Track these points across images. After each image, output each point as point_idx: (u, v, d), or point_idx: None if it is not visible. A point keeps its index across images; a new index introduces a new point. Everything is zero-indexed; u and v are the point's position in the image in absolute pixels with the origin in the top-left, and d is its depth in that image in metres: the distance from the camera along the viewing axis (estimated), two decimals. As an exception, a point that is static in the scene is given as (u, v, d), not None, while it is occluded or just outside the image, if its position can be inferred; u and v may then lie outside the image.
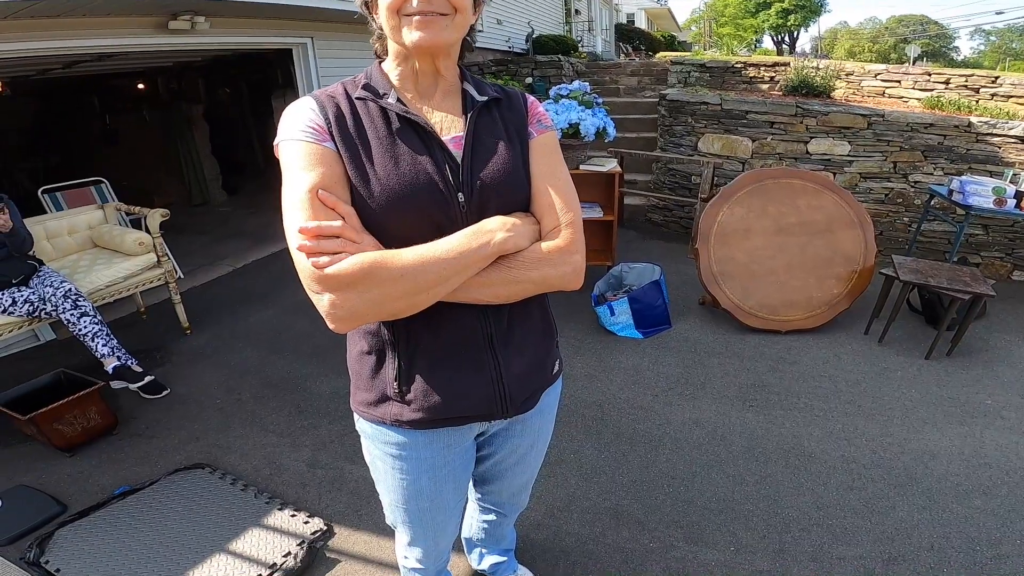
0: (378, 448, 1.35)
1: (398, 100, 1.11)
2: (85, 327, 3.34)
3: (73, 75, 7.33)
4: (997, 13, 39.56)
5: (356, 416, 1.36)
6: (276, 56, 6.06)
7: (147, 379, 3.44)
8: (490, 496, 1.76)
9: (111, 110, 9.29)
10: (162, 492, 2.67)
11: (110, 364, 3.37)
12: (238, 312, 4.71)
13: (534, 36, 11.29)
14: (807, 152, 5.76)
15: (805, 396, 3.37)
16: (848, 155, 5.62)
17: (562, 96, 4.56)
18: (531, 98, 1.28)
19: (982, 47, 53.95)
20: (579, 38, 14.78)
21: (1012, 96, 6.10)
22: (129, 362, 3.45)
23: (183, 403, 3.45)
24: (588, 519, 2.57)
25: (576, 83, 4.67)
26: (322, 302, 1.00)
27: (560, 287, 1.15)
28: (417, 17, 1.02)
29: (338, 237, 0.99)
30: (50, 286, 3.34)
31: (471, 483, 1.74)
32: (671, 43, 20.90)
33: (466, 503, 1.78)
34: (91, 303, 3.47)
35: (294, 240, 0.99)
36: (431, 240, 1.03)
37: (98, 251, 4.32)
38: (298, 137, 1.04)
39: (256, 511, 2.55)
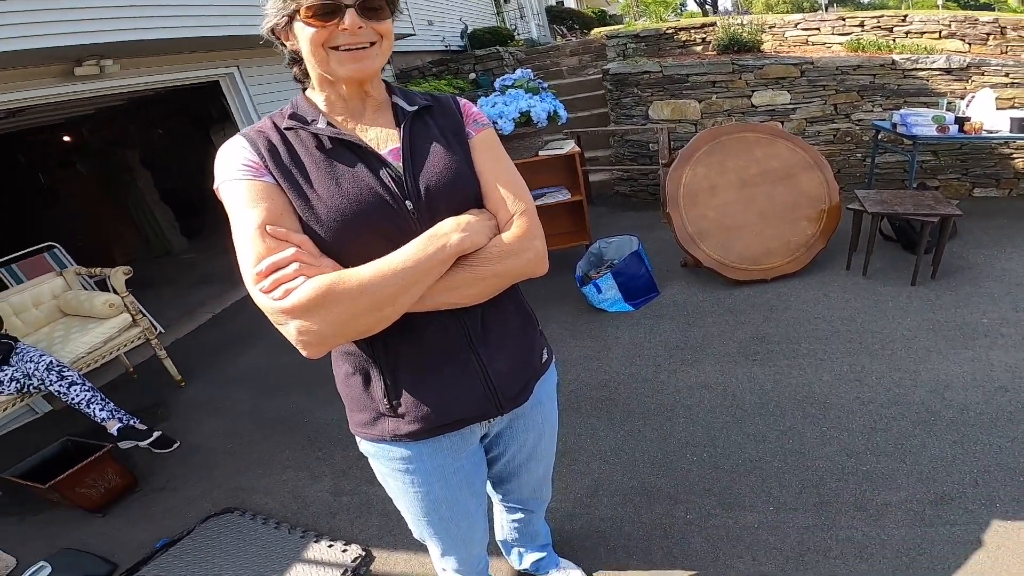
0: (385, 466, 1.31)
1: (328, 124, 1.08)
2: (77, 396, 3.18)
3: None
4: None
5: (357, 438, 1.31)
6: (207, 89, 5.65)
7: (155, 435, 3.28)
8: (512, 495, 1.69)
9: (43, 168, 8.47)
10: (200, 540, 2.57)
11: (113, 427, 3.21)
12: (226, 357, 4.44)
13: (468, 31, 10.95)
14: (752, 105, 5.78)
15: (805, 341, 3.24)
16: (790, 103, 5.66)
17: (507, 87, 4.40)
18: (462, 100, 1.25)
19: (886, -14, 54.73)
20: (513, 26, 14.49)
21: (924, 32, 6.14)
22: (132, 421, 3.28)
23: (195, 453, 3.28)
24: (618, 501, 2.41)
25: (519, 72, 4.52)
26: (289, 331, 0.99)
27: (527, 275, 1.14)
28: (347, 52, 1.01)
29: (294, 263, 0.97)
30: (31, 362, 3.16)
31: (491, 486, 1.67)
32: (602, 18, 20.70)
33: (490, 506, 1.72)
34: (76, 372, 3.28)
35: (251, 281, 0.98)
36: (389, 252, 1.01)
37: (69, 319, 4.07)
38: (236, 177, 1.01)
39: (294, 546, 2.45)
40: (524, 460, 1.50)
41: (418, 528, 1.46)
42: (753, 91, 5.73)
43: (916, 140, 4.23)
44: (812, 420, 2.66)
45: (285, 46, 1.09)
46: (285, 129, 1.07)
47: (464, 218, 1.07)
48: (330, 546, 2.42)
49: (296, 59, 1.11)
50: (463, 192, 1.12)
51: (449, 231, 1.04)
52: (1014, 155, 5.03)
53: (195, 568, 2.42)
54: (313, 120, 1.07)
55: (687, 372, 3.16)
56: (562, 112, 4.32)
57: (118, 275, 3.86)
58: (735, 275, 3.98)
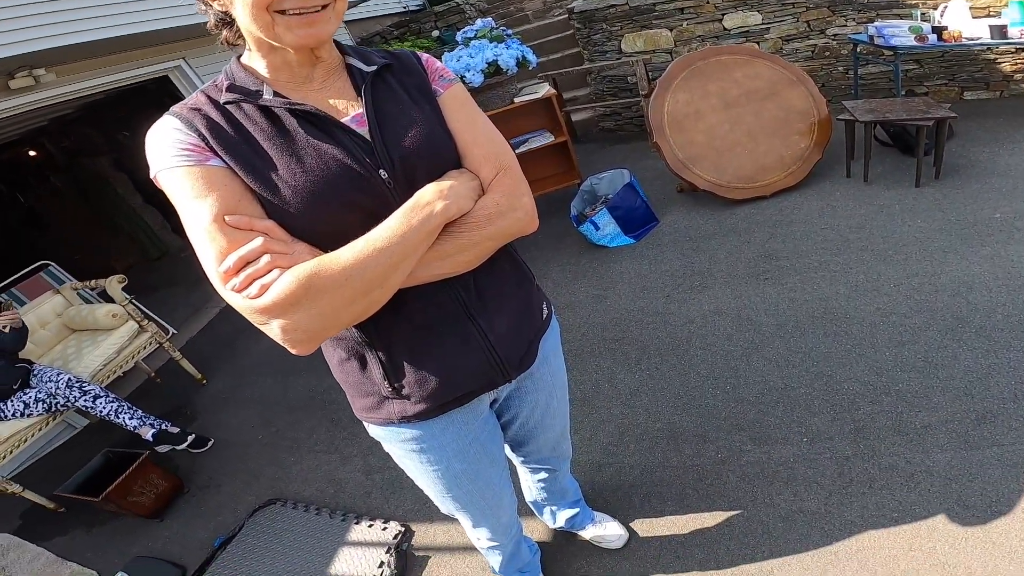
0: (398, 448, 1.16)
1: (275, 94, 0.87)
2: (103, 408, 2.97)
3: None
4: None
5: (365, 424, 1.16)
6: (162, 84, 5.08)
7: (190, 438, 3.08)
8: (532, 456, 1.50)
9: (20, 188, 7.64)
10: (252, 534, 2.44)
11: (147, 433, 3.02)
12: (240, 348, 4.12)
13: (425, -12, 10.17)
14: (724, 29, 5.28)
15: (815, 253, 2.88)
16: (762, 24, 5.15)
17: (470, 39, 3.95)
18: (424, 55, 1.05)
19: None
20: (472, -23, 13.56)
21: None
22: (164, 426, 3.07)
23: (229, 448, 3.07)
24: (645, 446, 2.13)
25: (480, 22, 4.06)
26: (272, 330, 0.82)
27: (518, 234, 0.99)
28: (295, 16, 0.80)
29: (265, 255, 0.79)
30: (51, 381, 2.95)
31: (510, 449, 1.49)
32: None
33: (514, 469, 1.64)
34: (98, 385, 3.08)
35: (218, 281, 0.81)
36: (369, 229, 0.84)
37: (79, 335, 3.78)
38: (174, 163, 0.81)
39: (337, 530, 2.31)
40: (539, 420, 1.33)
41: (444, 504, 1.32)
42: (723, 14, 5.22)
43: (897, 50, 3.86)
44: (834, 337, 2.34)
45: (211, 6, 0.88)
46: (225, 104, 0.86)
47: (446, 183, 0.90)
48: (370, 526, 2.26)
49: (226, 21, 0.89)
50: (440, 154, 0.95)
51: (432, 199, 0.87)
52: (999, 60, 4.58)
53: (252, 563, 2.30)
54: (257, 91, 0.87)
55: (698, 300, 2.82)
56: (531, 57, 3.93)
57: (113, 284, 3.56)
58: (733, 195, 3.61)
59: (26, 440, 2.94)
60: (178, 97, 5.11)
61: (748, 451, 1.99)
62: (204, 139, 0.82)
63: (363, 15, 7.89)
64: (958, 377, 2.02)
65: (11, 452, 2.86)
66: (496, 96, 3.95)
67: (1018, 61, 4.47)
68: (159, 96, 6.61)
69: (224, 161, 0.83)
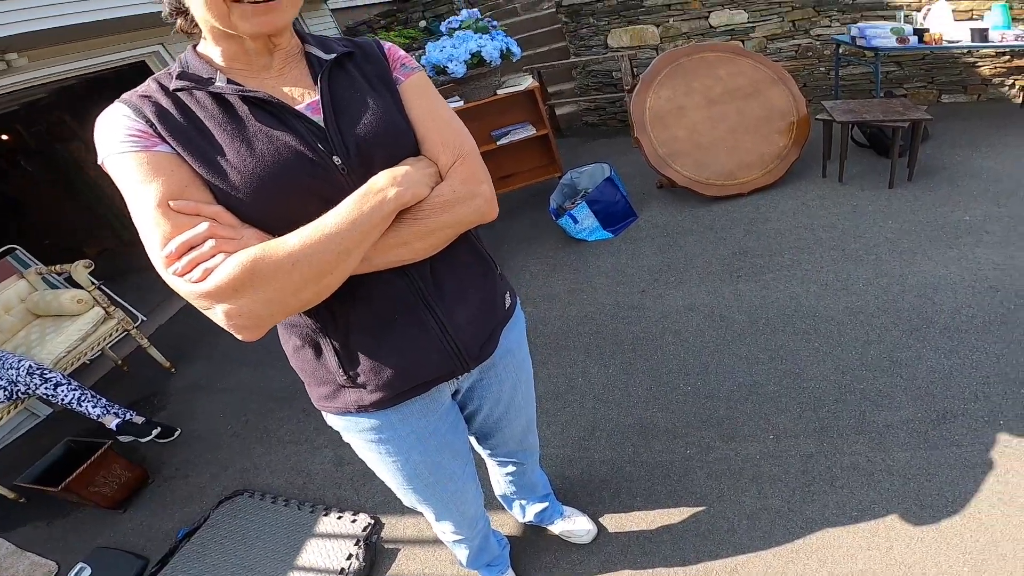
0: (357, 438, 1.14)
1: (229, 81, 0.85)
2: (66, 396, 2.86)
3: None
4: None
5: (323, 413, 1.13)
6: (132, 70, 4.93)
7: (155, 430, 2.99)
8: (499, 449, 1.47)
9: None
10: (217, 525, 2.38)
11: (111, 422, 2.90)
12: (210, 337, 3.99)
13: (413, -23, 10.00)
14: (711, 26, 5.26)
15: (788, 252, 2.89)
16: (748, 22, 5.14)
17: (454, 29, 3.88)
18: (387, 44, 1.03)
19: None
20: (461, -34, 13.37)
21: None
22: (129, 415, 2.97)
23: (198, 438, 2.99)
24: (616, 441, 2.13)
25: (464, 12, 3.99)
26: (216, 315, 0.80)
27: (476, 222, 0.97)
28: (251, 4, 0.78)
29: (209, 240, 0.78)
30: (12, 368, 2.83)
31: (475, 442, 1.47)
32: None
33: (483, 463, 1.62)
34: (60, 372, 2.95)
35: (161, 265, 0.79)
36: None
37: (43, 320, 3.64)
38: (121, 150, 0.80)
39: (306, 522, 2.25)
40: (503, 412, 1.32)
41: (406, 497, 1.29)
42: (710, 12, 5.20)
43: (878, 52, 3.87)
44: (803, 336, 2.35)
45: None
46: (175, 91, 0.84)
47: (400, 169, 0.88)
48: (339, 518, 2.21)
49: (180, 10, 0.86)
50: (397, 142, 0.93)
51: (385, 185, 0.85)
52: (979, 63, 4.60)
53: (217, 554, 2.24)
54: (210, 78, 0.85)
55: (672, 295, 2.82)
56: (515, 49, 3.87)
57: (79, 270, 3.44)
58: (711, 191, 3.60)
59: (-13, 428, 2.81)
60: None
61: (716, 448, 1.99)
62: (152, 125, 0.81)
63: (351, 3, 7.73)
64: (921, 377, 2.03)
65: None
66: (479, 88, 3.89)
67: (997, 65, 4.50)
68: (136, 82, 6.51)
69: (172, 147, 0.81)
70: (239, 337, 0.82)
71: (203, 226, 0.78)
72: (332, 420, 1.13)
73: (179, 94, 0.84)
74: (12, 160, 7.18)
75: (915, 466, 1.75)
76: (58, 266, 3.65)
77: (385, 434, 1.10)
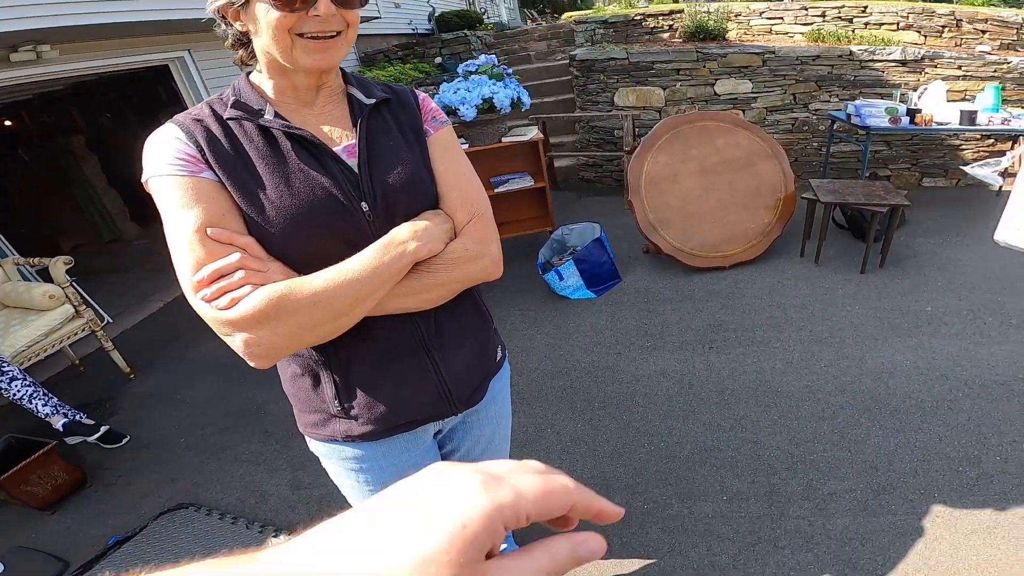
0: (337, 465, 1.23)
1: (276, 115, 0.96)
2: (18, 391, 2.94)
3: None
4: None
5: (307, 438, 1.23)
6: (156, 73, 5.23)
7: (102, 430, 3.08)
8: None
9: None
10: (154, 536, 2.44)
11: (58, 422, 3.00)
12: (178, 347, 4.16)
13: (436, 14, 10.64)
14: (715, 94, 5.73)
15: (760, 329, 3.24)
16: (751, 92, 5.63)
17: (471, 72, 4.25)
18: (421, 94, 1.16)
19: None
20: (483, 10, 14.10)
21: (883, 24, 6.16)
22: (78, 417, 3.08)
23: (148, 447, 3.10)
24: (578, 492, 2.39)
25: (483, 57, 4.37)
26: (235, 342, 0.90)
27: (483, 279, 1.09)
28: (313, 40, 0.90)
29: (239, 271, 0.88)
30: None
31: None
32: (573, 2, 20.29)
33: None
34: (17, 367, 3.04)
35: (190, 289, 0.89)
36: (344, 257, 0.94)
37: (10, 311, 3.71)
38: (168, 172, 0.89)
39: (253, 541, 2.33)
40: (479, 455, 1.43)
41: None
42: (716, 79, 5.68)
43: (869, 130, 4.26)
44: (764, 408, 2.66)
45: (231, 26, 0.96)
46: (228, 119, 0.95)
47: (421, 224, 1.00)
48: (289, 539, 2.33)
49: (243, 42, 0.99)
50: (421, 194, 1.05)
51: (406, 238, 0.97)
52: (962, 146, 5.10)
53: (148, 565, 2.31)
54: (260, 110, 0.96)
55: (646, 360, 3.13)
56: (525, 99, 4.20)
57: (58, 265, 3.57)
58: (694, 262, 3.96)
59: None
60: (173, 88, 5.34)
61: (672, 505, 2.26)
62: (201, 151, 0.91)
63: (372, 31, 8.17)
64: (867, 452, 2.34)
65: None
66: (485, 133, 4.19)
67: (980, 149, 4.98)
68: (153, 84, 6.78)
69: (216, 175, 0.91)
70: (251, 364, 0.93)
71: (234, 256, 0.88)
72: (315, 446, 1.23)
73: (230, 123, 0.95)
74: (11, 148, 7.43)
75: (852, 531, 2.03)
76: (37, 259, 3.80)
77: (367, 464, 1.20)
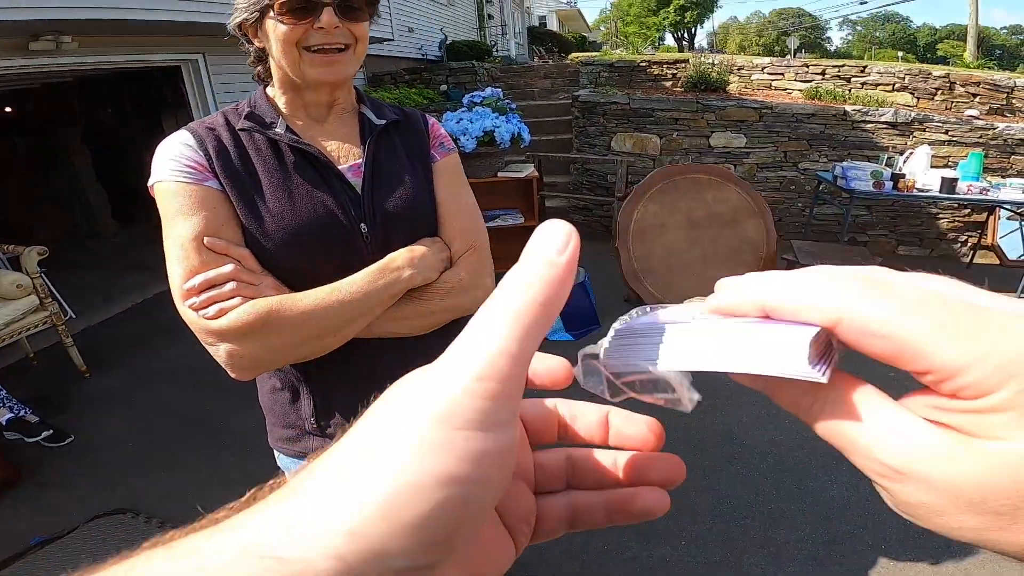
0: None
1: (287, 129, 1.00)
2: None
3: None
4: (861, 3, 41.52)
5: (276, 453, 1.22)
6: (164, 72, 5.35)
7: (44, 435, 3.02)
8: None
9: None
10: (84, 540, 2.38)
11: (2, 416, 2.99)
12: (143, 350, 4.12)
13: (447, 43, 10.94)
14: (709, 146, 5.90)
15: (729, 383, 3.31)
16: (745, 147, 5.80)
17: (475, 104, 4.40)
18: (431, 119, 1.19)
19: (850, 37, 57.26)
20: (493, 43, 14.48)
21: (880, 84, 6.40)
22: (22, 412, 3.05)
23: (93, 450, 3.04)
24: (541, 529, 2.49)
25: (489, 90, 4.53)
26: (219, 353, 0.91)
27: (474, 311, 1.12)
28: (319, 54, 0.94)
29: (231, 282, 0.89)
30: None
31: None
32: (582, 43, 20.83)
33: None
34: None
35: (179, 296, 0.90)
36: (338, 276, 0.95)
37: None
38: (174, 178, 0.91)
39: None
40: None
41: None
42: (712, 131, 5.86)
43: (853, 194, 4.39)
44: (729, 459, 2.80)
45: (252, 43, 1.01)
46: (240, 130, 0.98)
47: (418, 250, 1.01)
48: None
49: (261, 58, 1.03)
50: (420, 219, 1.06)
51: (402, 265, 0.98)
52: (940, 215, 5.29)
53: (71, 568, 2.29)
54: (272, 123, 0.99)
55: (618, 405, 3.24)
56: (526, 135, 4.33)
57: (32, 255, 3.54)
58: (674, 314, 4.07)
59: None
60: (180, 90, 5.45)
61: (631, 546, 2.37)
62: (210, 160, 0.93)
63: (383, 53, 8.38)
64: (823, 504, 2.49)
65: None
66: (483, 166, 4.30)
67: (956, 218, 5.17)
68: (158, 84, 6.86)
69: (221, 184, 0.93)
70: (232, 375, 0.94)
71: (228, 267, 0.89)
72: (284, 461, 1.21)
73: (241, 133, 0.98)
74: (4, 134, 7.46)
75: (801, 580, 2.16)
76: (10, 246, 3.78)
77: None
